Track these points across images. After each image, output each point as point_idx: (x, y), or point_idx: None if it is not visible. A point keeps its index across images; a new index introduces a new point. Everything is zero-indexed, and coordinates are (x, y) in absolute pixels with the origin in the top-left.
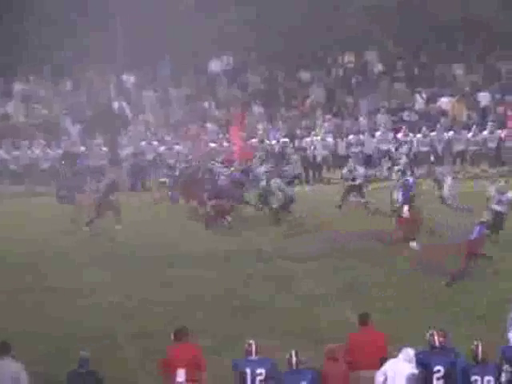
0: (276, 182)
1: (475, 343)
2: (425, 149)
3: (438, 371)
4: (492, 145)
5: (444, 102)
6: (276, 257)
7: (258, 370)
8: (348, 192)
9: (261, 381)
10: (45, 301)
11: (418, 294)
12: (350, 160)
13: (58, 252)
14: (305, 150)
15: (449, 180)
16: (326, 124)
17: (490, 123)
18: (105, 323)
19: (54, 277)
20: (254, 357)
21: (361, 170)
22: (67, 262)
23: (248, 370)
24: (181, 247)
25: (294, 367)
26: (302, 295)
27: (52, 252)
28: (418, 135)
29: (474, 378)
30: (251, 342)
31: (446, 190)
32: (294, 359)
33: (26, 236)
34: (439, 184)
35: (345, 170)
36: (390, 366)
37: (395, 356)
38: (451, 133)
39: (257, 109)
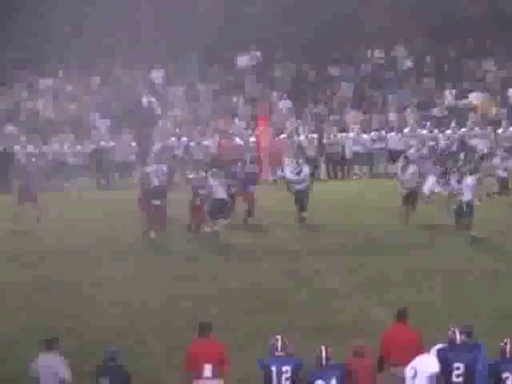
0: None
1: (504, 340)
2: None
3: (458, 368)
4: None
5: (474, 97)
6: (300, 252)
7: (284, 368)
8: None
9: (286, 379)
10: (69, 296)
11: (444, 289)
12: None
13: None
14: (333, 145)
15: (430, 179)
16: (354, 119)
17: None
18: (127, 318)
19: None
20: (279, 352)
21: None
22: (90, 257)
23: (274, 368)
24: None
25: (324, 363)
26: (325, 290)
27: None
28: (448, 131)
29: (505, 374)
30: (278, 337)
31: (425, 188)
32: (323, 355)
33: (53, 231)
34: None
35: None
36: (419, 362)
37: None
38: (477, 129)
39: (284, 104)
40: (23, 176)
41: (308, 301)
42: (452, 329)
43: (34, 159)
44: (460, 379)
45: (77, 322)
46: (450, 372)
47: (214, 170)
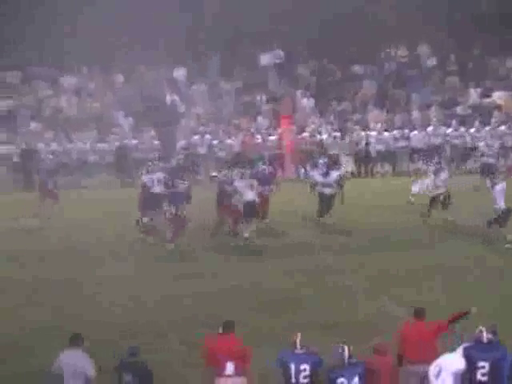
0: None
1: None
2: (477, 143)
3: (483, 367)
4: None
5: (498, 95)
6: (317, 249)
7: (302, 366)
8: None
9: (305, 377)
10: (73, 295)
11: (459, 288)
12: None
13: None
14: (357, 143)
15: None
16: (377, 118)
17: None
18: (131, 317)
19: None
20: (299, 350)
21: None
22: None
23: (292, 366)
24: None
25: (347, 361)
26: (340, 288)
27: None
28: (472, 130)
29: None
30: (298, 334)
31: (416, 188)
32: (346, 354)
33: (77, 228)
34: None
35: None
36: (444, 360)
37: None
38: (503, 127)
39: (308, 102)
40: (43, 173)
41: (319, 299)
42: (480, 327)
43: (51, 156)
44: (485, 378)
45: (80, 321)
46: (475, 370)
47: (241, 170)
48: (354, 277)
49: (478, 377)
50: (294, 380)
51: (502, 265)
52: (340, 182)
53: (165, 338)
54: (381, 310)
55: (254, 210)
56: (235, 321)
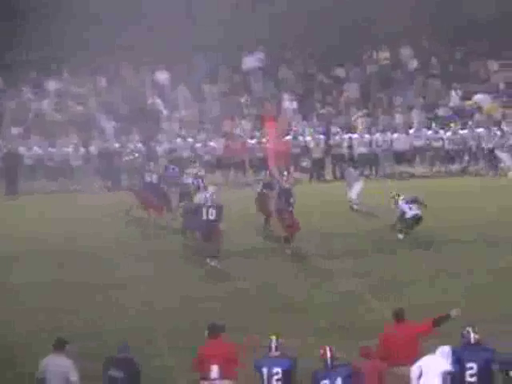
0: None
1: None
2: (456, 146)
3: (471, 368)
4: None
5: (478, 98)
6: (312, 254)
7: (275, 370)
8: None
9: (277, 380)
10: (79, 297)
11: (457, 291)
12: None
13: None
14: (340, 147)
15: (359, 184)
16: (362, 120)
17: None
18: (142, 319)
19: (91, 273)
20: (274, 353)
21: None
22: (101, 258)
23: (264, 370)
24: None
25: (329, 364)
26: (338, 292)
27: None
28: (448, 133)
29: None
30: (272, 337)
31: (353, 193)
32: (328, 356)
33: (61, 232)
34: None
35: None
36: (425, 362)
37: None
38: (481, 130)
39: (291, 105)
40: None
41: (322, 302)
42: (467, 328)
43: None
44: (474, 379)
45: (89, 323)
46: (464, 372)
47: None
48: (354, 280)
49: (467, 378)
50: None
51: None
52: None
53: (155, 345)
54: (380, 313)
55: None
56: (236, 324)
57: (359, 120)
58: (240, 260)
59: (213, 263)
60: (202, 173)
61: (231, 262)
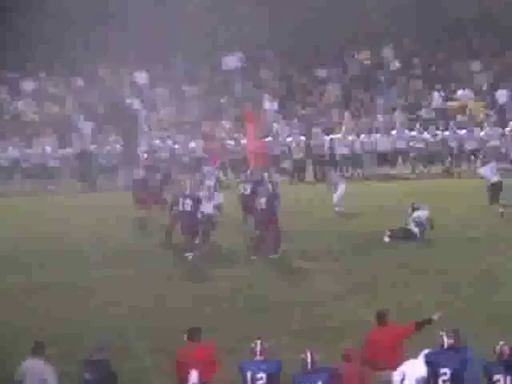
0: None
1: (500, 343)
2: (438, 147)
3: (444, 374)
4: None
5: (462, 94)
6: (289, 255)
7: (259, 375)
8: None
9: None
10: (58, 300)
11: (433, 293)
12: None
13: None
14: (321, 148)
15: (342, 186)
16: (344, 121)
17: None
18: (117, 319)
19: (66, 275)
20: (258, 357)
21: None
22: (80, 260)
23: (248, 374)
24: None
25: (310, 367)
26: (315, 294)
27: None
28: (426, 135)
29: (496, 376)
30: (257, 341)
31: (336, 196)
32: (309, 359)
33: (38, 234)
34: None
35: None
36: (407, 366)
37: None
38: (464, 131)
39: (272, 106)
40: None
41: (298, 302)
42: (441, 333)
43: None
44: None
45: (63, 325)
46: (437, 377)
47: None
48: (332, 282)
49: (440, 383)
50: None
51: None
52: None
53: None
54: (357, 315)
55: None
56: (211, 326)
57: (344, 121)
58: (218, 260)
59: (189, 257)
60: None
61: (209, 262)
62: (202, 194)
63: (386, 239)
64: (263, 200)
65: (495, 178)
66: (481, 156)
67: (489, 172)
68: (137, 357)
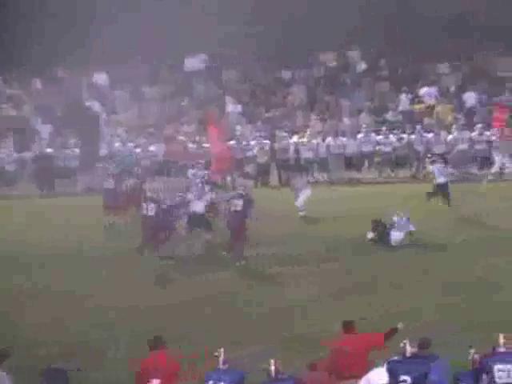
0: None
1: (471, 351)
2: (404, 151)
3: (404, 381)
4: (480, 147)
5: (426, 91)
6: (265, 260)
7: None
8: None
9: None
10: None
11: (413, 299)
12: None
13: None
14: (287, 151)
15: (306, 191)
16: (310, 124)
17: (479, 125)
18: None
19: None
20: (221, 366)
21: None
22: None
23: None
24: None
25: (273, 377)
26: (292, 300)
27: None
28: (393, 138)
29: None
30: (221, 350)
31: (299, 201)
32: (272, 369)
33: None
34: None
35: None
36: (372, 375)
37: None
38: (431, 134)
39: (235, 108)
40: None
41: (270, 309)
42: (404, 341)
43: None
44: None
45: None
46: None
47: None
48: (306, 289)
49: None
50: None
51: None
52: None
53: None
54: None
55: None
56: (183, 334)
57: (309, 123)
58: (191, 266)
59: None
60: None
61: (184, 268)
62: (190, 195)
63: (368, 236)
64: (239, 202)
65: (441, 179)
66: (428, 155)
67: (436, 171)
68: (101, 367)
